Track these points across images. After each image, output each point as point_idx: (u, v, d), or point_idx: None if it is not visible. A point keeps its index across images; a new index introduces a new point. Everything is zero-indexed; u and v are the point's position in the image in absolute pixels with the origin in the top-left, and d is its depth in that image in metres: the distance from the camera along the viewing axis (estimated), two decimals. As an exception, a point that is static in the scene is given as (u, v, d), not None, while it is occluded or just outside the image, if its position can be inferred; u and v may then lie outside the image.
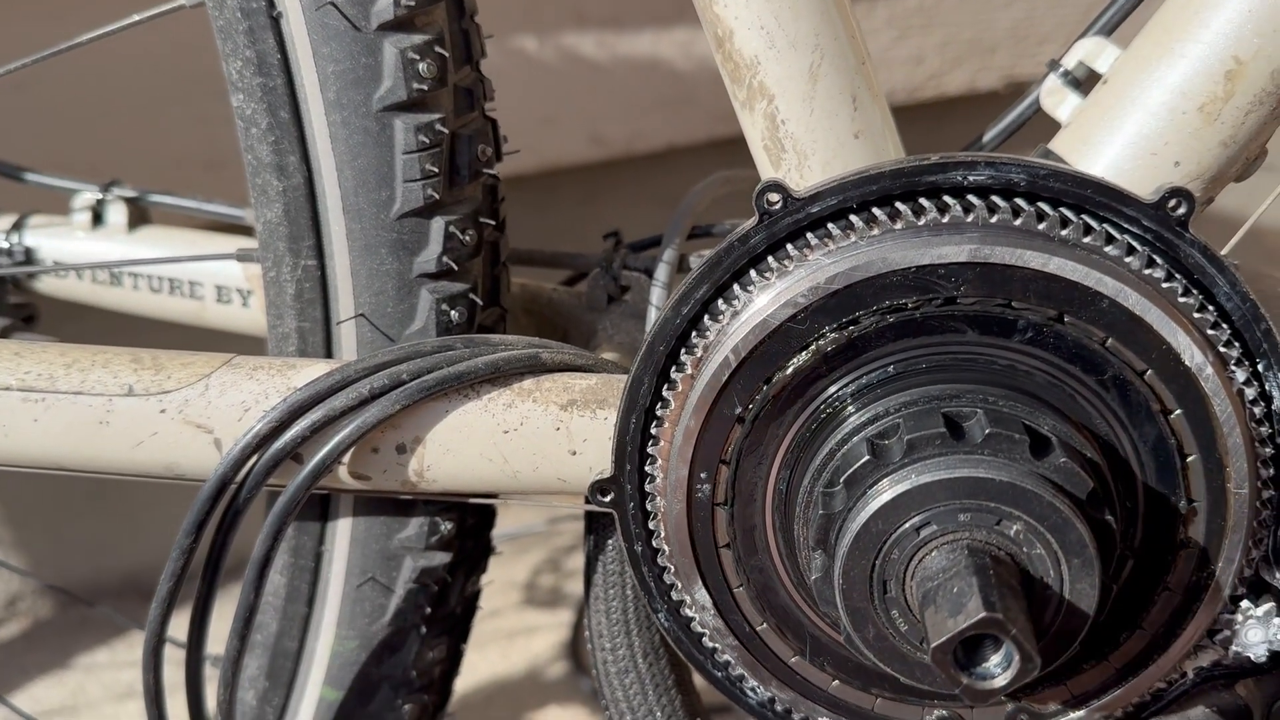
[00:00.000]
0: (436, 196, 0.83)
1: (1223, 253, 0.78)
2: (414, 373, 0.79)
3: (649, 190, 2.28)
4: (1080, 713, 0.77)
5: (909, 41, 2.02)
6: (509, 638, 1.93)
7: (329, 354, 0.89)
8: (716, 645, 0.81)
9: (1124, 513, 0.71)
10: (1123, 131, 0.77)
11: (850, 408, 0.72)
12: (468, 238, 0.85)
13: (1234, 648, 0.76)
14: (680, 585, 0.79)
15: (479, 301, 0.86)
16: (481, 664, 1.93)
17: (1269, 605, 0.75)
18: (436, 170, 0.83)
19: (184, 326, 1.13)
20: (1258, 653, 0.76)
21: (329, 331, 0.89)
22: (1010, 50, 2.08)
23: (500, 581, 2.07)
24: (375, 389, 0.79)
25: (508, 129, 0.92)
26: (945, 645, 0.59)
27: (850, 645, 0.71)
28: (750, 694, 0.83)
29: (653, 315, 0.97)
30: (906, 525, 0.65)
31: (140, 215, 1.13)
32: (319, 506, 0.94)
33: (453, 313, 0.85)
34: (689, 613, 0.81)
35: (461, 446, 0.81)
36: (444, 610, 0.96)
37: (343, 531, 0.93)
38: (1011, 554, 0.65)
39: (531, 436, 0.81)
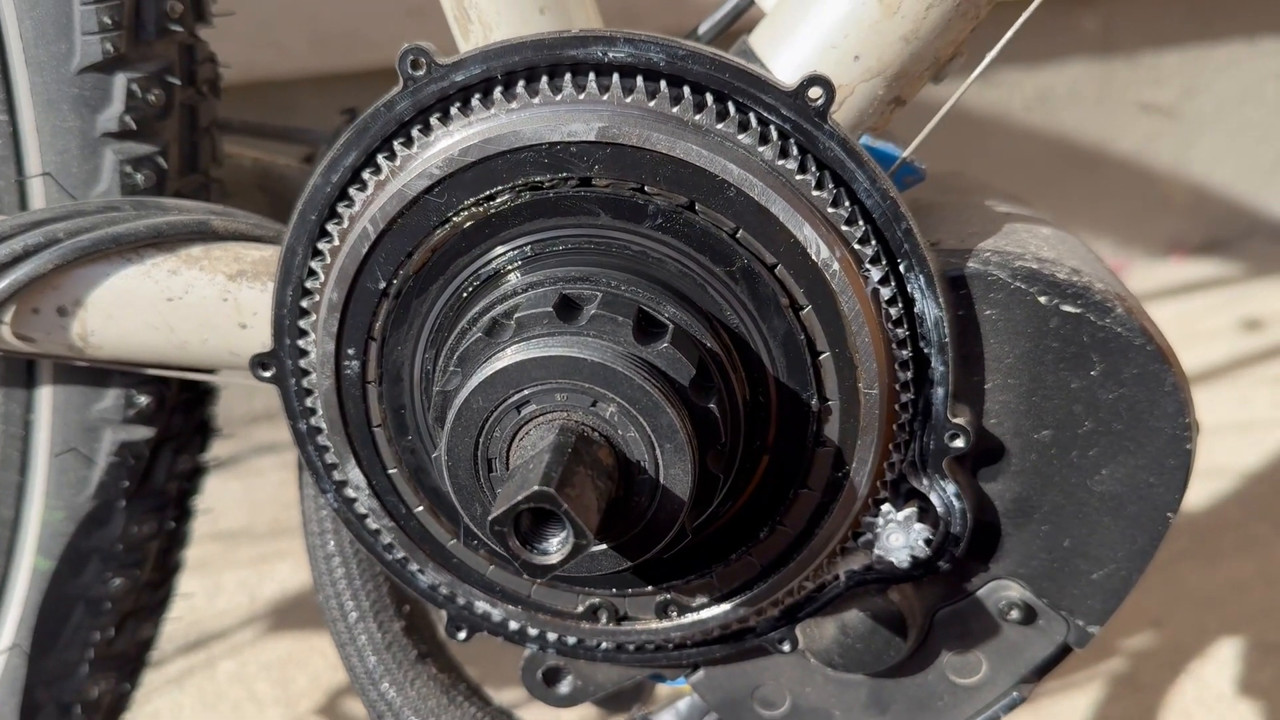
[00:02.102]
0: (115, 51, 0.80)
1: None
2: (70, 232, 0.77)
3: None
4: (727, 606, 0.77)
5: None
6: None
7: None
8: (379, 527, 0.80)
9: (753, 407, 0.70)
10: (808, 24, 0.75)
11: (486, 286, 0.70)
12: (153, 97, 0.82)
13: (877, 551, 0.76)
14: (339, 465, 0.78)
15: (166, 166, 0.84)
16: (321, 563, 1.93)
17: (910, 510, 0.75)
18: (116, 23, 0.80)
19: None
20: (900, 558, 0.76)
21: (22, 190, 0.86)
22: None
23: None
24: (29, 246, 0.76)
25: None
26: (502, 518, 0.58)
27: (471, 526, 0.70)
28: (420, 577, 0.82)
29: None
30: (508, 402, 0.64)
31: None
32: (25, 373, 0.92)
33: (138, 175, 0.83)
34: (351, 493, 0.80)
35: (124, 313, 0.79)
36: (150, 486, 0.94)
37: (45, 399, 0.91)
38: (608, 436, 0.64)
39: (197, 306, 0.79)
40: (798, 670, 0.84)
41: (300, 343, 0.76)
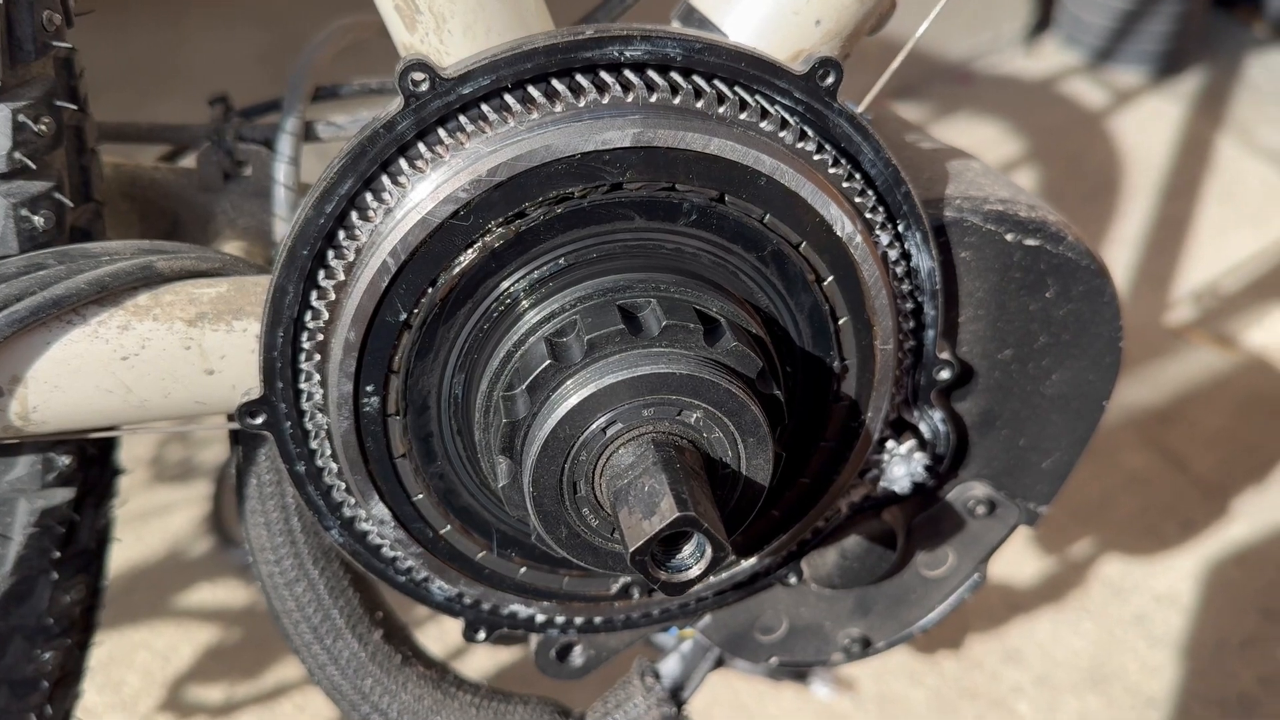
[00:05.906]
0: (-6, 81, 0.67)
1: (860, 107, 0.80)
2: (-1, 303, 0.66)
3: (245, 9, 2.04)
4: (752, 560, 0.82)
5: None
6: (142, 519, 1.78)
7: (-124, 277, 0.72)
8: (398, 554, 0.77)
9: (786, 379, 0.73)
10: (765, -11, 0.76)
11: (524, 304, 0.68)
12: (43, 126, 0.70)
13: (882, 484, 0.83)
14: (354, 502, 0.74)
15: (67, 201, 0.72)
16: (115, 551, 1.78)
17: (910, 443, 0.82)
18: (-11, 48, 0.67)
19: None
20: (902, 485, 0.83)
21: None
22: None
23: (124, 460, 1.89)
24: (-51, 329, 0.65)
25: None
26: (644, 548, 0.59)
27: (541, 544, 0.69)
28: (436, 592, 0.80)
29: (279, 194, 0.87)
30: (593, 426, 0.64)
31: None
32: (-106, 455, 0.79)
33: (35, 218, 0.71)
34: (365, 527, 0.76)
35: (72, 381, 0.69)
36: (76, 549, 0.84)
37: (-69, 481, 0.79)
38: (693, 440, 0.65)
39: (157, 360, 0.70)
40: (792, 594, 0.91)
41: (302, 385, 0.70)
